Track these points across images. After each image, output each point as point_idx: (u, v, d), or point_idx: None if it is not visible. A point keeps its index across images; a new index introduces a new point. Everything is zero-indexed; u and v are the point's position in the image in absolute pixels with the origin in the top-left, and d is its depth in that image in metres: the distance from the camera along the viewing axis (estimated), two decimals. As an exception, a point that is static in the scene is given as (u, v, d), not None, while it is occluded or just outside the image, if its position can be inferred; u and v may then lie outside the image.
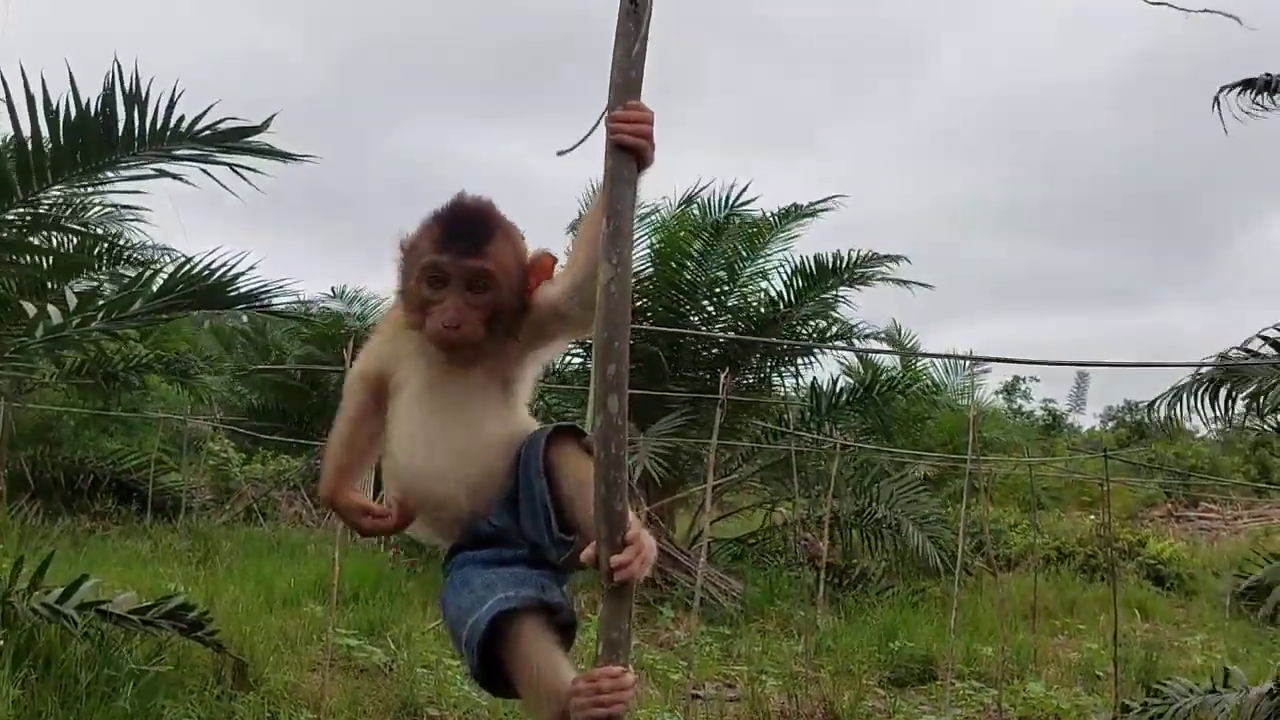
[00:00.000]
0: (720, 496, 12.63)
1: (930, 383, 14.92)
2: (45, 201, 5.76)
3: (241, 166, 5.57)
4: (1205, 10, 1.48)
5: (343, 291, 18.59)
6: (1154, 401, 6.13)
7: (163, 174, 5.65)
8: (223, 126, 5.44)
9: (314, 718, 5.14)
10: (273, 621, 7.26)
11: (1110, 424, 31.45)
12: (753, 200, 11.43)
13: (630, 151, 1.52)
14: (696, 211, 11.68)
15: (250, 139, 5.51)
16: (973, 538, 11.53)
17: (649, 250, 11.21)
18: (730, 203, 11.41)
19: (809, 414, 11.97)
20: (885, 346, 13.70)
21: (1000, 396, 25.28)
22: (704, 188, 11.63)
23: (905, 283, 11.54)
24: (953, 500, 12.97)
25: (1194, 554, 15.70)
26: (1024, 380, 27.10)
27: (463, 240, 1.70)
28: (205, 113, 5.37)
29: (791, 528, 11.61)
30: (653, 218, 11.45)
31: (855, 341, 12.55)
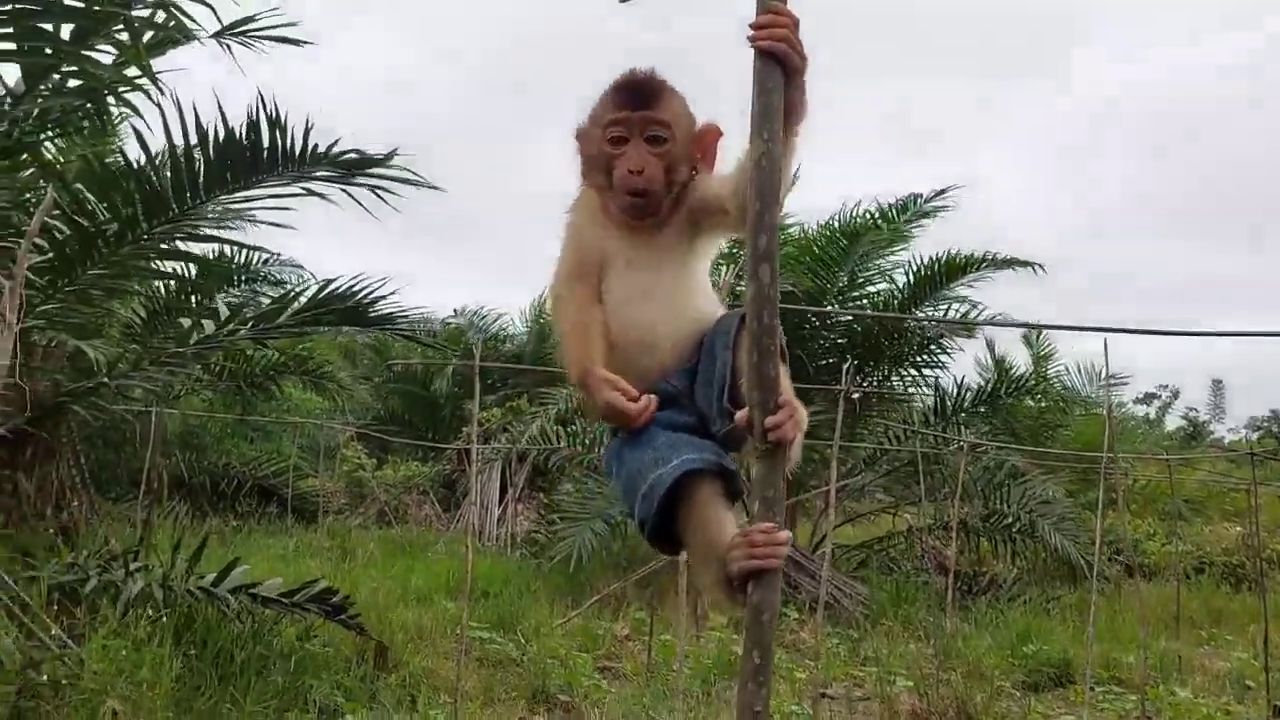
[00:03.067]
0: (842, 503, 12.47)
1: (1062, 386, 14.52)
2: (196, 216, 6.09)
3: (378, 188, 5.83)
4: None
5: (463, 310, 19.43)
6: None
7: (310, 193, 5.95)
8: (349, 156, 5.71)
9: (451, 702, 5.28)
10: (408, 615, 7.49)
11: (1256, 433, 30.09)
12: (860, 210, 11.35)
13: (773, 57, 1.55)
14: (816, 224, 11.65)
15: (379, 168, 5.78)
16: (1109, 545, 11.16)
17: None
18: (853, 215, 11.34)
19: (934, 418, 11.76)
20: (1017, 336, 13.17)
21: (1138, 409, 24.39)
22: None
23: (1020, 264, 11.21)
24: (1088, 509, 12.57)
25: (1350, 566, 14.85)
26: (1164, 390, 26.14)
27: (639, 96, 1.85)
28: (335, 143, 5.64)
29: (917, 534, 11.41)
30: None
31: (982, 336, 12.23)
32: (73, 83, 5.00)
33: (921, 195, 11.28)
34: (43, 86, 4.87)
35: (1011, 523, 10.74)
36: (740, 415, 1.63)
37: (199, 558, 5.53)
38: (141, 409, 10.40)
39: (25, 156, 5.89)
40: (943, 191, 11.29)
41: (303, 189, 5.93)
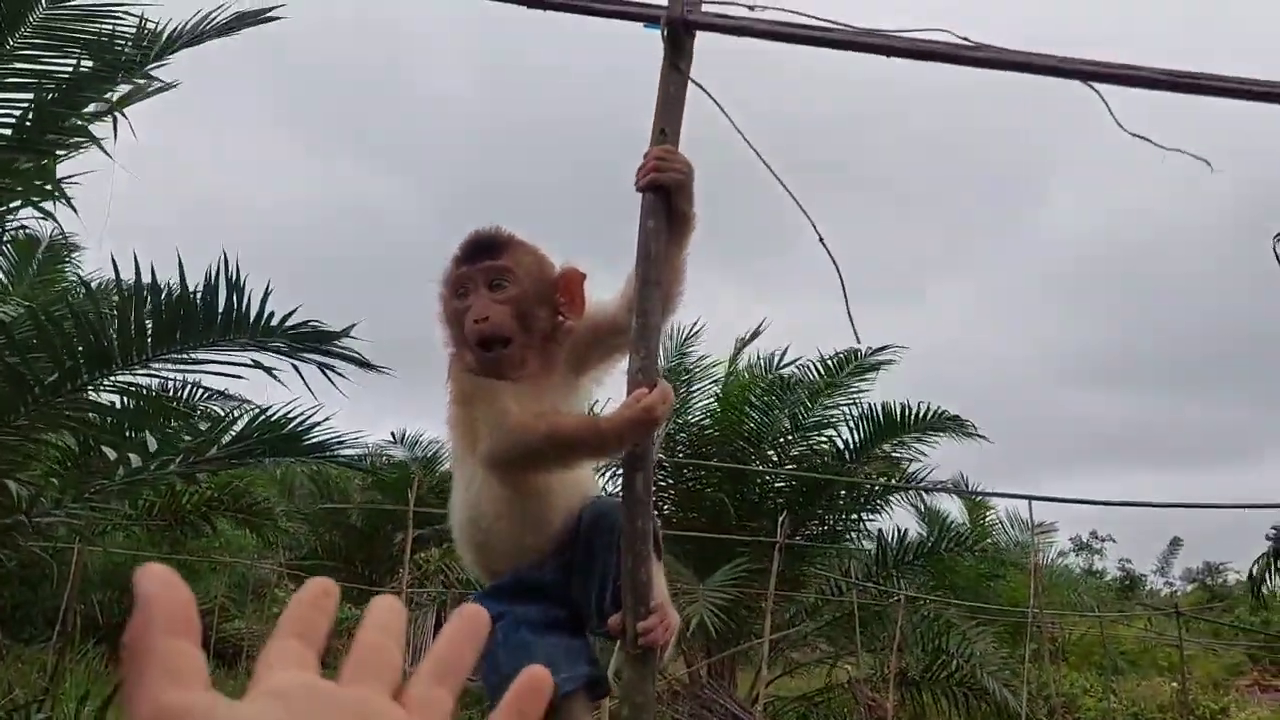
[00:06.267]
0: (783, 653, 12.31)
1: (999, 542, 14.59)
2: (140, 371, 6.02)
3: (327, 366, 5.83)
4: (1177, 150, 1.59)
5: (403, 437, 18.52)
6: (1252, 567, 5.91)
7: (257, 365, 5.93)
8: (304, 330, 5.73)
9: None
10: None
11: (1190, 585, 30.28)
12: (795, 360, 11.63)
13: (660, 190, 1.64)
14: (759, 361, 11.88)
15: (334, 343, 5.80)
16: (1045, 701, 11.08)
17: (714, 400, 11.39)
18: (776, 363, 11.63)
19: (874, 569, 11.75)
20: (954, 494, 13.35)
21: (1071, 555, 24.49)
22: (755, 336, 11.94)
23: (958, 427, 11.40)
24: (1022, 662, 12.51)
25: (1284, 725, 14.83)
26: (1099, 540, 26.35)
27: (479, 250, 1.88)
28: (293, 313, 5.66)
29: (857, 686, 11.25)
30: (716, 369, 11.70)
31: (921, 493, 12.36)
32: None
33: (862, 350, 11.48)
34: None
35: (951, 673, 10.66)
36: (613, 620, 1.64)
37: (108, 707, 5.31)
38: (63, 544, 10.09)
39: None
40: (883, 349, 11.53)
41: (252, 361, 5.91)
